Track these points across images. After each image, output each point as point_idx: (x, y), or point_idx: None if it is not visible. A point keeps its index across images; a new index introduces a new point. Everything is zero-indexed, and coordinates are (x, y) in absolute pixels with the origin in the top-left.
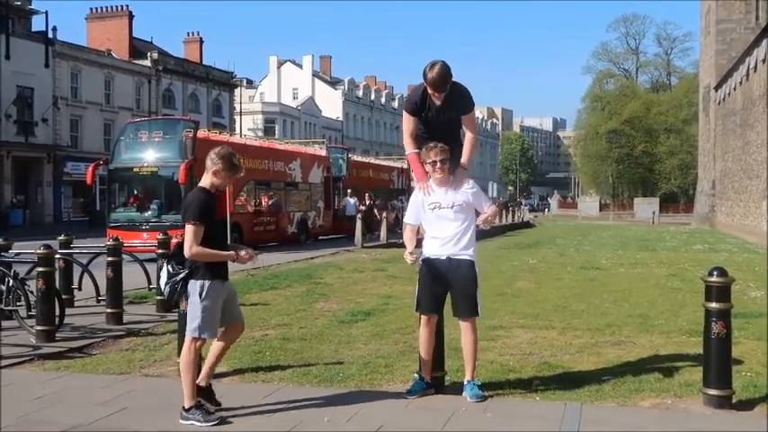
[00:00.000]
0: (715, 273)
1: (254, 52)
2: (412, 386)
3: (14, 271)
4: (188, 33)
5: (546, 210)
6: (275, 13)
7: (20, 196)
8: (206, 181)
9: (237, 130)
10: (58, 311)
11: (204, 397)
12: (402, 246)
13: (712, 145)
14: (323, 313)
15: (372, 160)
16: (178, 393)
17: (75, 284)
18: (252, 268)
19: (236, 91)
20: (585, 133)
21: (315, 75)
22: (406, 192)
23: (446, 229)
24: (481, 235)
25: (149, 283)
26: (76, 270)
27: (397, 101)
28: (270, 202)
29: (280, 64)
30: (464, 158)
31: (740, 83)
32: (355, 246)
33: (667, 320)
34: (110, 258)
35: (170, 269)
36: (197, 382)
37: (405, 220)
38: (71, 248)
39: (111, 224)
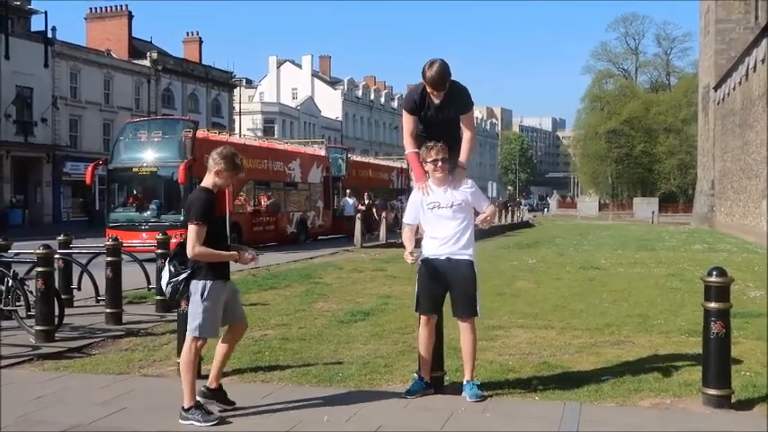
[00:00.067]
0: (714, 273)
1: (253, 52)
2: (411, 386)
3: (14, 271)
4: (187, 33)
5: (545, 210)
6: (274, 13)
7: (19, 196)
8: (208, 181)
9: (237, 130)
10: (57, 311)
11: (218, 399)
12: (401, 246)
13: (711, 145)
14: (322, 313)
15: (372, 160)
16: (177, 393)
17: (75, 284)
18: (253, 268)
19: (236, 91)
20: (585, 133)
21: (314, 75)
22: (406, 192)
23: (445, 229)
24: (480, 235)
25: (149, 283)
26: (76, 270)
27: (396, 101)
28: (268, 203)
29: (279, 64)
30: (462, 158)
31: (739, 83)
32: (354, 246)
33: (666, 320)
34: (109, 258)
35: (172, 269)
36: (207, 385)
37: (404, 220)
38: (70, 248)
39: (111, 224)
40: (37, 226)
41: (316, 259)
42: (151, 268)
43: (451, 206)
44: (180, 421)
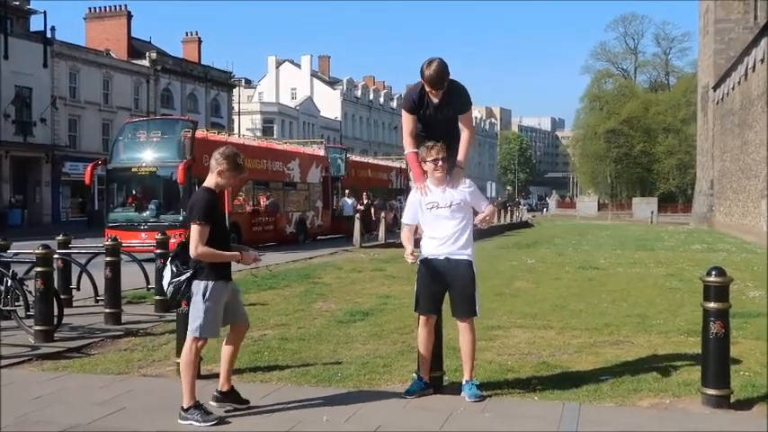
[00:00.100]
0: (713, 272)
1: (252, 52)
2: (410, 386)
3: (13, 271)
4: (186, 33)
5: (544, 209)
6: (273, 13)
7: (18, 196)
8: (211, 181)
9: (236, 130)
10: (56, 311)
11: (232, 400)
12: (400, 246)
13: (711, 145)
14: (321, 313)
15: (371, 160)
16: (176, 393)
17: (74, 284)
18: (253, 268)
19: (235, 91)
20: (584, 133)
21: (313, 75)
22: (405, 191)
23: (444, 229)
24: (479, 235)
25: (148, 283)
26: (75, 270)
27: (395, 101)
28: (267, 203)
29: (278, 64)
30: (460, 157)
31: (738, 82)
32: (354, 246)
33: (666, 320)
34: (108, 258)
35: (173, 269)
36: (219, 388)
37: (402, 220)
38: (69, 248)
39: (110, 224)
40: (36, 226)
41: (315, 259)
42: (150, 268)
43: (450, 206)
44: (179, 421)
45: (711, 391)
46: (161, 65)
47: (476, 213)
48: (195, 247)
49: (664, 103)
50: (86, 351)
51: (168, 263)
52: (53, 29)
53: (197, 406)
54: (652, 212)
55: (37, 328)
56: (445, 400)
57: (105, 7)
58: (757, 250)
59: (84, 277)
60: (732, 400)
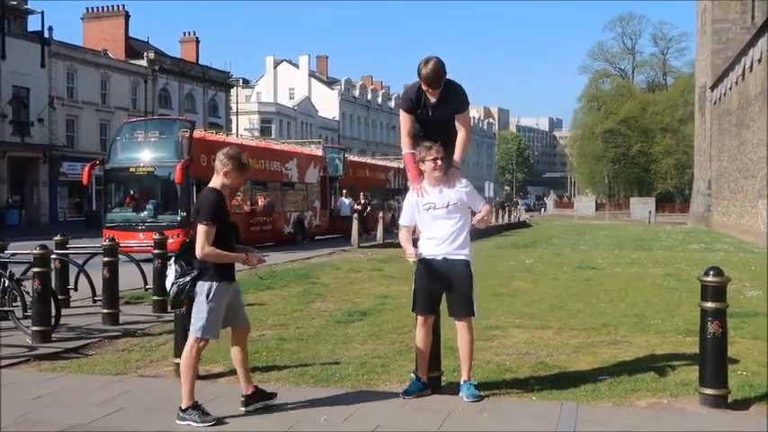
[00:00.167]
0: (711, 272)
1: (250, 52)
2: (408, 386)
3: (10, 271)
4: (184, 33)
5: (542, 209)
6: (271, 13)
7: (16, 196)
8: (217, 182)
9: (234, 130)
10: (54, 312)
11: (260, 398)
12: (398, 246)
13: (708, 144)
14: (319, 313)
15: (369, 160)
16: (174, 394)
17: (72, 285)
18: (251, 268)
19: (233, 91)
20: (582, 133)
21: (311, 75)
22: (403, 191)
23: (441, 229)
24: (477, 235)
25: (145, 283)
26: (72, 270)
27: (393, 101)
28: (263, 203)
29: (276, 64)
30: (456, 157)
31: (736, 82)
32: (352, 246)
33: (663, 320)
34: (106, 259)
35: (178, 269)
36: (244, 393)
37: (400, 222)
38: (67, 249)
39: (108, 224)
40: (34, 226)
41: (313, 259)
42: (148, 268)
43: (447, 206)
44: (177, 422)
45: (709, 391)
46: (159, 65)
47: (473, 213)
48: (201, 248)
49: (661, 103)
50: (84, 351)
51: (172, 262)
52: (50, 29)
53: (195, 406)
54: (650, 212)
55: (34, 328)
56: (443, 400)
57: (103, 7)
58: (755, 250)
59: (82, 277)
60: (730, 400)
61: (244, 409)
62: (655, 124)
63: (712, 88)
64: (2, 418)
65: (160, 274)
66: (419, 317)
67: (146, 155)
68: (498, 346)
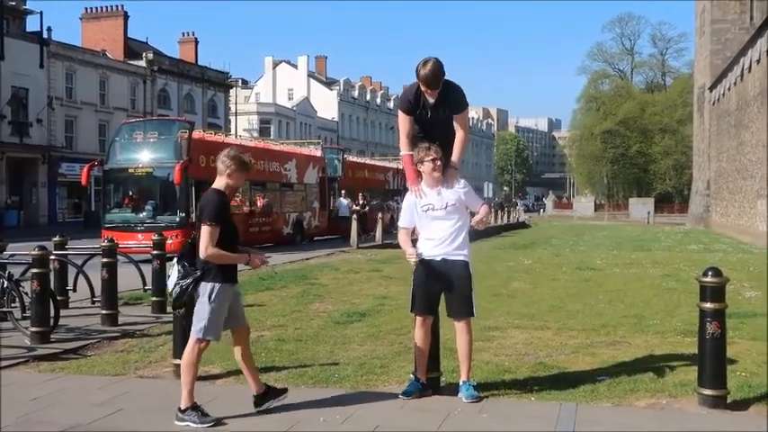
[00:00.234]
0: (710, 273)
1: (249, 53)
2: (407, 387)
3: (9, 272)
4: (183, 34)
5: (541, 210)
6: (270, 14)
7: (14, 197)
8: (220, 183)
9: (233, 131)
10: (52, 313)
11: (271, 396)
12: (397, 246)
13: (707, 145)
14: (318, 314)
15: (368, 161)
16: (174, 395)
17: (70, 286)
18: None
19: (232, 91)
20: (580, 134)
21: (310, 75)
22: (402, 192)
23: (440, 230)
24: (476, 235)
25: (144, 284)
26: (71, 271)
27: (392, 101)
28: (262, 203)
29: (275, 64)
30: (455, 158)
31: (735, 83)
32: (351, 246)
33: (662, 321)
34: (105, 259)
35: (181, 269)
36: (255, 393)
37: (399, 223)
38: (66, 249)
39: (106, 225)
40: (32, 227)
41: (312, 260)
42: (147, 269)
43: (445, 207)
44: (176, 422)
45: (708, 392)
46: (158, 65)
47: (472, 214)
48: (205, 248)
49: (660, 103)
50: (83, 352)
51: (175, 262)
52: (49, 29)
53: (194, 407)
54: (648, 213)
55: (33, 329)
56: (442, 400)
57: (102, 8)
58: (753, 250)
59: (81, 278)
60: (728, 401)
61: (256, 409)
62: (653, 125)
63: (711, 89)
64: (2, 418)
65: (159, 275)
66: (418, 317)
67: (145, 155)
68: (497, 347)
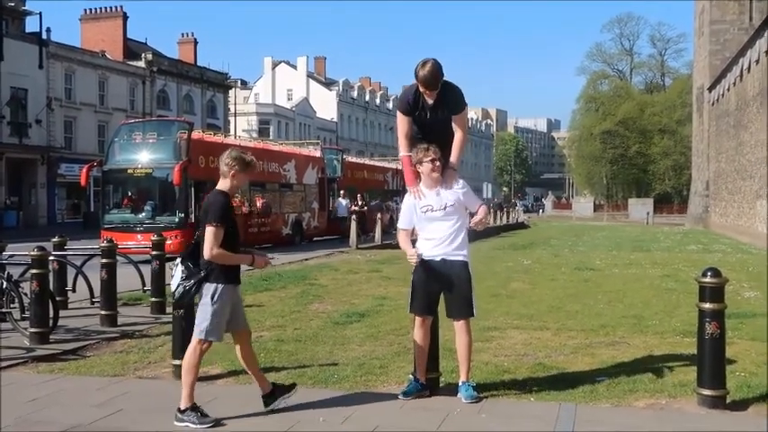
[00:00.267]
0: (709, 273)
1: (248, 53)
2: (407, 387)
3: (8, 273)
4: (182, 34)
5: (540, 210)
6: (269, 14)
7: (13, 198)
8: (225, 185)
9: (232, 132)
10: (51, 313)
11: (279, 394)
12: (397, 247)
13: (706, 146)
14: (317, 314)
15: (367, 161)
16: (173, 395)
17: (69, 286)
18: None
19: (231, 92)
20: (580, 134)
21: (309, 76)
22: (401, 193)
23: (439, 231)
24: (475, 236)
25: (144, 284)
26: (70, 272)
27: (391, 102)
28: (261, 204)
29: (274, 65)
30: (453, 158)
31: (734, 84)
32: (350, 247)
33: (661, 321)
34: (104, 260)
35: (184, 269)
36: (263, 394)
37: (398, 225)
38: (65, 250)
39: (106, 226)
40: (31, 228)
41: (311, 260)
42: (146, 270)
43: (444, 208)
44: (175, 423)
45: (707, 392)
46: (157, 66)
47: (470, 214)
48: (210, 249)
49: (659, 104)
50: (82, 353)
51: (179, 263)
52: (48, 30)
53: (194, 408)
54: (648, 213)
55: (32, 330)
56: (442, 401)
57: (101, 8)
58: (752, 251)
59: (80, 279)
60: (728, 401)
61: (265, 409)
62: (653, 125)
63: (710, 89)
64: (1, 419)
65: (158, 276)
66: (417, 318)
67: (144, 156)
68: (496, 348)
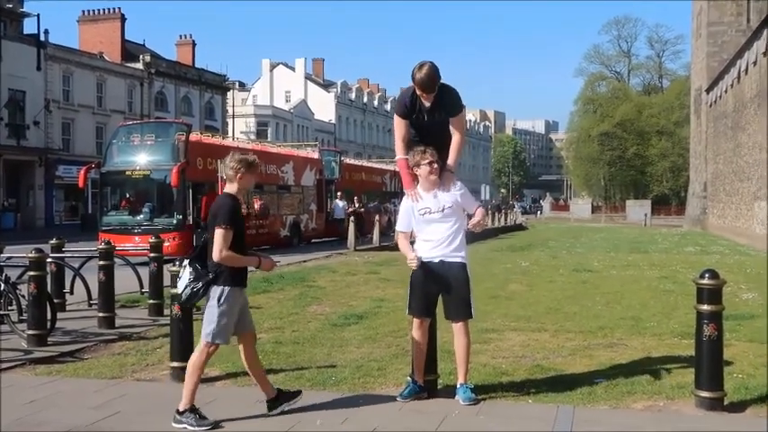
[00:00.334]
0: (706, 275)
1: (246, 55)
2: (405, 389)
3: (6, 275)
4: (180, 36)
5: (538, 212)
6: (268, 15)
7: (11, 199)
8: (232, 188)
9: (230, 133)
10: (49, 315)
11: (284, 399)
12: (395, 249)
13: (704, 147)
14: (315, 316)
15: (365, 163)
16: (170, 397)
17: (67, 288)
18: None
19: (229, 94)
20: (578, 136)
21: (307, 77)
22: (399, 194)
23: (437, 232)
24: (473, 237)
25: (141, 287)
26: (68, 274)
27: (389, 103)
28: (259, 206)
29: (272, 67)
30: (451, 161)
31: (731, 85)
32: (348, 249)
33: (659, 323)
34: (102, 262)
35: (192, 271)
36: (267, 398)
37: (397, 228)
38: (63, 252)
39: (103, 228)
40: (29, 229)
41: (309, 262)
42: (144, 272)
43: (442, 210)
44: (173, 424)
45: (705, 394)
46: (155, 68)
47: (469, 216)
48: (219, 251)
49: (657, 105)
50: (80, 355)
51: (187, 264)
52: (47, 32)
53: (193, 409)
54: (645, 215)
55: (30, 332)
56: (440, 403)
57: (99, 10)
58: (750, 253)
59: (78, 281)
60: (726, 403)
61: (269, 413)
62: (650, 127)
63: (708, 91)
64: (2, 419)
65: (156, 278)
66: (415, 319)
67: (142, 158)
68: (494, 349)
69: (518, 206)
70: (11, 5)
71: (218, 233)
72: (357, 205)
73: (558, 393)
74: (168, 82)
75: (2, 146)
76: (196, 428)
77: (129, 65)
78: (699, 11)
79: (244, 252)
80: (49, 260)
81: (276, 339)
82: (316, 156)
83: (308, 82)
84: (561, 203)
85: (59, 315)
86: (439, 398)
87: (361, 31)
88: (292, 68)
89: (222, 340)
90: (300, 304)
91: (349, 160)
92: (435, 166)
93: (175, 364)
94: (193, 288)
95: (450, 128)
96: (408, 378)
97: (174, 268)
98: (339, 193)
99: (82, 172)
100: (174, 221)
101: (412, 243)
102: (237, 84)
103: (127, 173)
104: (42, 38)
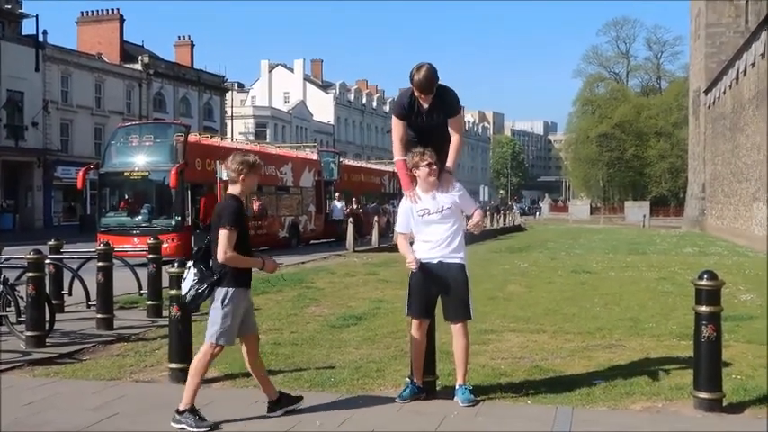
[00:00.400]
0: (705, 276)
1: (245, 56)
2: (403, 390)
3: (4, 276)
4: (179, 37)
5: (537, 213)
6: (266, 16)
7: (10, 201)
8: (236, 189)
9: (229, 135)
10: (48, 317)
11: (285, 403)
12: (393, 250)
13: (702, 148)
14: (314, 318)
15: (364, 164)
16: (169, 398)
17: (66, 290)
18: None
19: (228, 95)
20: (576, 137)
21: (306, 78)
22: (398, 195)
23: (436, 234)
24: (472, 239)
25: (140, 288)
26: (67, 275)
27: (388, 105)
28: (257, 207)
29: (271, 68)
30: (449, 162)
31: (730, 86)
32: (347, 250)
33: (658, 324)
34: (100, 263)
35: (197, 272)
36: (269, 400)
37: (396, 229)
38: (61, 253)
39: (102, 229)
40: (28, 231)
41: (308, 263)
42: (143, 273)
43: (441, 211)
44: (172, 424)
45: (703, 395)
46: (153, 69)
47: (467, 217)
48: (224, 252)
49: (655, 107)
50: (78, 357)
51: (191, 265)
52: (45, 33)
53: (192, 410)
54: (644, 216)
55: (28, 333)
56: (438, 404)
57: (97, 11)
58: (749, 254)
59: (76, 282)
60: (724, 404)
61: (268, 414)
62: (649, 128)
63: (706, 92)
64: (2, 419)
65: (155, 279)
66: (414, 321)
67: (140, 159)
68: (493, 350)
69: (517, 207)
70: (9, 6)
71: (223, 234)
72: (356, 206)
73: (556, 394)
74: (167, 83)
75: (0, 147)
76: (195, 429)
77: (127, 66)
78: (697, 12)
79: (248, 253)
80: (47, 261)
81: (275, 340)
82: (314, 157)
83: (307, 83)
84: (560, 205)
85: (58, 316)
86: (438, 399)
87: (360, 31)
88: (291, 69)
89: (226, 341)
90: (299, 305)
91: (348, 161)
92: (434, 167)
93: (174, 365)
94: (198, 289)
95: (449, 129)
96: (407, 379)
97: (173, 269)
98: (337, 194)
99: (80, 173)
100: (173, 222)
101: (411, 244)
102: (236, 85)
103: (125, 174)
104: (41, 39)
